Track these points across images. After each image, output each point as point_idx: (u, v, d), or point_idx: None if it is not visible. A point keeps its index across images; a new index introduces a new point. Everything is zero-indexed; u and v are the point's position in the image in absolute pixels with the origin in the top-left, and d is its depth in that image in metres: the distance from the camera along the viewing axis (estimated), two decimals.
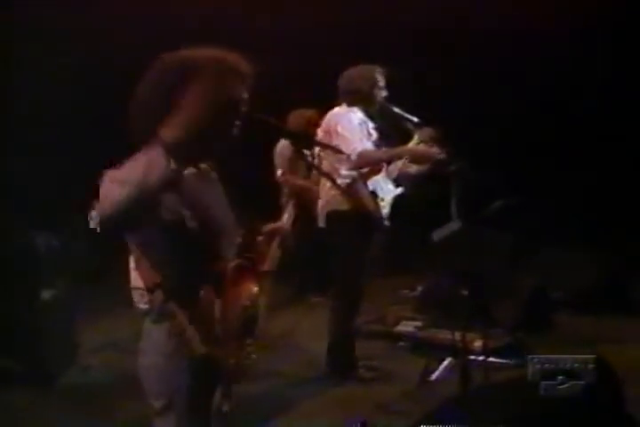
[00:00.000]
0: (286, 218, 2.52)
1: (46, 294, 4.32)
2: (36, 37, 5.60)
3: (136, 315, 2.13)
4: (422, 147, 4.32)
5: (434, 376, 4.28)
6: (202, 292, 2.00)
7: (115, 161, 2.00)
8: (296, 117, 5.45)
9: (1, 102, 5.62)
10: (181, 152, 1.97)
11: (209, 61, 2.02)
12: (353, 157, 3.93)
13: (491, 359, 4.18)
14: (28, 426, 3.82)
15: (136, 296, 2.09)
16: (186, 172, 2.00)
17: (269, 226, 2.40)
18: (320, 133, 4.27)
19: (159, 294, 2.01)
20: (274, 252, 2.37)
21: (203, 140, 2.03)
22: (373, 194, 4.26)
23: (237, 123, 2.07)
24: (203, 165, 2.14)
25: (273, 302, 2.30)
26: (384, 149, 4.29)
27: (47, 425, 3.81)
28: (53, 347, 4.36)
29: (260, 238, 2.32)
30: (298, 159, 5.15)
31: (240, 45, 2.11)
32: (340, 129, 4.17)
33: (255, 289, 2.17)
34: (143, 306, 2.07)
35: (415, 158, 4.35)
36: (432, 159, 4.27)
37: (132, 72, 2.16)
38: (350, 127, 4.18)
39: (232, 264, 2.07)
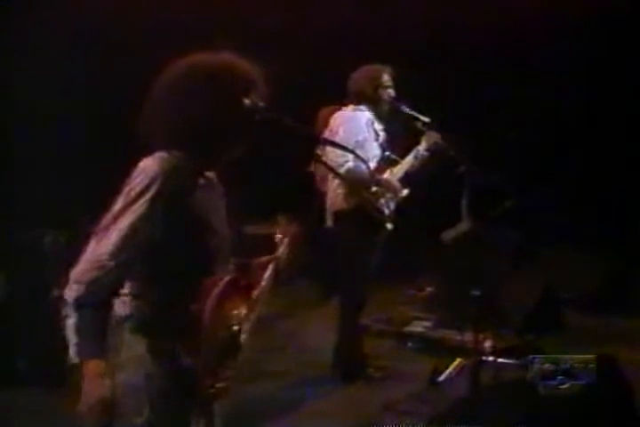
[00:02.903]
0: (281, 252, 2.39)
1: (55, 292, 4.32)
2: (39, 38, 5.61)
3: None
4: (399, 185, 4.33)
5: (443, 377, 4.26)
6: (193, 306, 1.93)
7: (122, 162, 2.00)
8: (323, 114, 5.41)
9: (11, 103, 5.64)
10: (193, 160, 1.98)
11: (218, 69, 2.02)
12: (341, 170, 3.91)
13: (500, 360, 4.17)
14: (40, 425, 3.81)
15: (117, 302, 1.97)
16: (199, 180, 2.00)
17: (263, 259, 2.31)
18: (327, 133, 4.27)
19: (144, 302, 1.96)
20: (267, 281, 2.27)
21: (215, 148, 2.04)
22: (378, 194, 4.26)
23: (250, 130, 2.05)
24: (210, 175, 2.10)
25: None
26: (373, 173, 4.23)
27: (58, 424, 3.80)
28: (64, 345, 4.34)
29: (257, 263, 2.26)
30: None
31: (253, 48, 2.09)
32: (341, 132, 4.16)
33: (243, 312, 2.08)
34: (124, 312, 1.97)
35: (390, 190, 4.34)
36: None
37: (140, 74, 2.15)
38: (353, 131, 4.17)
39: (226, 279, 2.00)
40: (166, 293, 1.96)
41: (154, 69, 2.08)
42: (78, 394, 1.85)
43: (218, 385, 2.00)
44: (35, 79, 5.65)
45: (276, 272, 2.30)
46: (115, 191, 1.92)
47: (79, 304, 1.79)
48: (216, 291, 1.95)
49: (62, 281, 1.87)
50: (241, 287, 2.10)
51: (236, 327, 2.04)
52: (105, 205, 1.92)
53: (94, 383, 1.80)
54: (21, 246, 4.40)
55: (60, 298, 1.81)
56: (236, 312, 2.05)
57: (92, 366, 1.80)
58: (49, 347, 4.25)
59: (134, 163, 1.99)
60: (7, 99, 5.52)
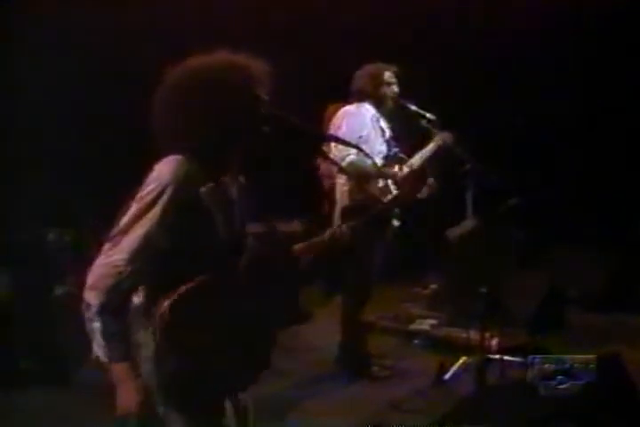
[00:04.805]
0: (329, 233, 2.38)
1: (58, 291, 4.31)
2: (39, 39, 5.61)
3: None
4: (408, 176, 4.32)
5: (449, 375, 4.24)
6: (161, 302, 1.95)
7: (127, 161, 1.99)
8: (330, 112, 5.39)
9: (11, 101, 5.63)
10: (205, 162, 1.98)
11: (216, 68, 2.04)
12: (344, 163, 3.91)
13: (506, 358, 4.15)
14: (44, 424, 3.79)
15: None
16: (210, 184, 2.01)
17: (306, 243, 2.33)
18: (331, 129, 4.26)
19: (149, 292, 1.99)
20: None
21: (224, 148, 2.05)
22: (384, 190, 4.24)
23: (257, 125, 2.06)
24: (226, 178, 2.12)
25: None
26: (377, 167, 4.22)
27: (63, 423, 3.79)
28: (67, 344, 4.34)
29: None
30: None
31: (255, 47, 2.09)
32: (344, 127, 4.16)
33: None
34: (134, 300, 1.99)
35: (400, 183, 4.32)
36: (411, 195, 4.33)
37: (143, 72, 2.15)
38: (357, 126, 4.16)
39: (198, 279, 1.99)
40: (165, 291, 1.96)
41: (157, 68, 2.08)
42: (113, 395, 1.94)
43: (242, 374, 2.07)
44: (35, 77, 5.65)
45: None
46: (120, 191, 1.93)
47: (102, 310, 1.85)
48: (177, 293, 1.94)
49: (70, 280, 1.89)
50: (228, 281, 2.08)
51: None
52: (110, 205, 1.92)
53: (127, 386, 1.91)
54: (24, 245, 4.40)
55: (82, 301, 1.87)
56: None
57: (122, 369, 1.90)
58: (52, 347, 4.28)
59: (139, 162, 2.00)
60: (8, 97, 5.51)
